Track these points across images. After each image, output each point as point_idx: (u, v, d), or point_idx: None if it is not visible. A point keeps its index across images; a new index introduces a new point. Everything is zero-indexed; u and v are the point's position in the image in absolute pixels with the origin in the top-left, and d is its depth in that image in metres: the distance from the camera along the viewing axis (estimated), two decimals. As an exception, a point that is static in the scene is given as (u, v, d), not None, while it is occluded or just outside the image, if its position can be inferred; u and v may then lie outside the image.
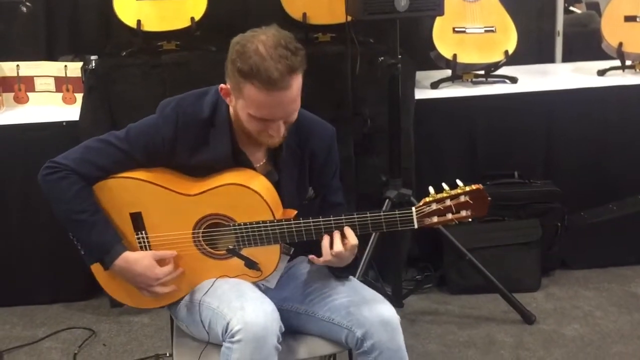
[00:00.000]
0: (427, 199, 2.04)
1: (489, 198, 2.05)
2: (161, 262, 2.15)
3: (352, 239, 2.06)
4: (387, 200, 3.23)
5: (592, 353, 3.10)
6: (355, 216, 2.06)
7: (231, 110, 2.11)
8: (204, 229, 2.14)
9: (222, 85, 2.07)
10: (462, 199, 2.04)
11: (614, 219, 3.73)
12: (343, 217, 2.06)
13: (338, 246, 2.04)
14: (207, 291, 2.12)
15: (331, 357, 2.75)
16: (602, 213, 3.77)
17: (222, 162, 2.14)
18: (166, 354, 3.12)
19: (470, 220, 2.06)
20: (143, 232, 2.16)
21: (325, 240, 2.06)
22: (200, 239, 2.15)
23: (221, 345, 2.05)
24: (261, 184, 2.11)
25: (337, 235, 2.05)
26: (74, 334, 3.36)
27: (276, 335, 2.01)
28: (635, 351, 3.10)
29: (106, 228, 2.12)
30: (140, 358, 3.15)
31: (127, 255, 2.12)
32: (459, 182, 2.06)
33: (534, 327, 3.30)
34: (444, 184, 2.06)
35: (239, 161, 2.16)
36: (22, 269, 3.56)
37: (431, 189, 2.06)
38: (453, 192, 2.05)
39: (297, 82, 1.98)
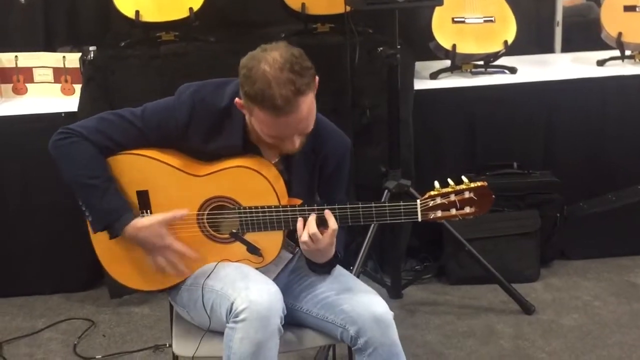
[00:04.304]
0: (432, 193, 2.05)
1: (493, 196, 2.06)
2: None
3: (333, 224, 2.05)
4: (386, 191, 3.23)
5: (590, 343, 3.10)
6: (360, 206, 2.06)
7: (247, 117, 2.11)
8: (209, 211, 2.15)
9: (237, 99, 2.06)
10: (467, 195, 2.04)
11: (613, 209, 3.74)
12: (348, 206, 2.06)
13: (312, 228, 2.03)
14: (209, 275, 2.12)
15: (330, 347, 2.77)
16: (601, 203, 3.77)
17: (233, 152, 2.14)
18: (166, 344, 3.12)
19: (472, 217, 2.07)
20: (148, 210, 2.16)
21: (300, 222, 2.05)
22: (205, 221, 2.15)
23: (221, 333, 2.05)
24: (269, 170, 2.12)
25: (312, 218, 2.04)
26: (73, 325, 3.36)
27: (279, 316, 2.02)
28: (634, 341, 3.11)
29: (118, 195, 2.12)
30: (139, 349, 3.15)
31: (137, 221, 2.11)
32: (464, 178, 2.07)
33: (533, 317, 3.30)
34: (449, 180, 2.06)
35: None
36: (21, 260, 3.56)
37: (436, 183, 2.07)
38: (458, 187, 2.05)
39: (306, 102, 1.97)
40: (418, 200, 2.05)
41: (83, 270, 3.58)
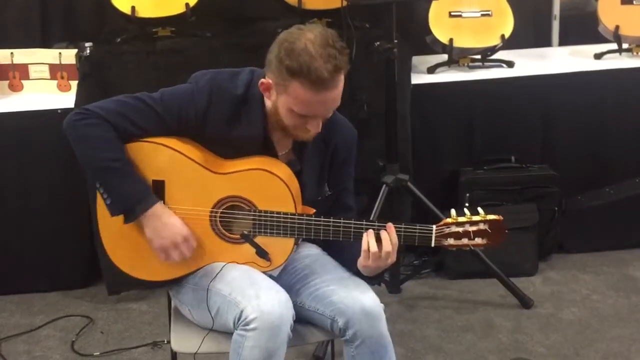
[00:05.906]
0: (448, 220, 2.08)
1: (507, 231, 2.09)
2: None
3: (387, 245, 2.05)
4: (384, 186, 3.23)
5: (589, 336, 3.11)
6: (376, 224, 2.07)
7: (267, 102, 2.10)
8: (223, 209, 2.13)
9: (262, 80, 2.06)
10: (481, 226, 2.07)
11: (611, 202, 3.74)
12: (364, 223, 2.07)
13: (373, 247, 2.05)
14: (215, 276, 2.11)
15: (329, 343, 2.77)
16: (599, 197, 3.77)
17: (252, 140, 2.13)
18: (164, 341, 3.12)
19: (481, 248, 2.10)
20: (162, 201, 2.13)
21: (370, 238, 2.06)
22: (217, 219, 2.14)
23: (223, 333, 2.06)
24: (288, 176, 2.12)
25: (384, 234, 2.06)
26: (71, 322, 3.36)
27: (290, 323, 2.03)
28: (632, 334, 3.11)
29: (139, 178, 2.10)
30: (137, 345, 3.15)
31: (163, 207, 2.10)
32: (480, 209, 2.09)
33: (531, 312, 3.30)
34: (465, 209, 2.09)
35: (264, 145, 2.16)
36: (19, 257, 3.55)
37: (453, 211, 2.09)
38: (474, 218, 2.08)
39: (342, 80, 2.00)
40: (434, 227, 2.07)
41: (81, 267, 3.58)
